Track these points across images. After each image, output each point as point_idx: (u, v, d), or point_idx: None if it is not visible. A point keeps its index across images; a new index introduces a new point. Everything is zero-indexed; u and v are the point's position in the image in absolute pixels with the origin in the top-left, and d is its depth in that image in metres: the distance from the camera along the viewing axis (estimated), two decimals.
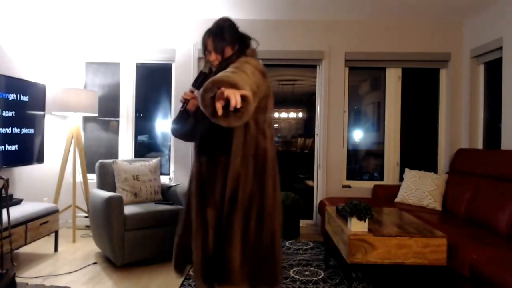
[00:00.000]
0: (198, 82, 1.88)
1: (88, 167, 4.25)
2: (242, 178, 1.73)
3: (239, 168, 1.73)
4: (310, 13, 4.07)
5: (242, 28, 1.94)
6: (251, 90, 1.51)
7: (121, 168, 3.49)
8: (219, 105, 1.39)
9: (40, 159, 3.78)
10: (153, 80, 4.51)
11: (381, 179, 4.40)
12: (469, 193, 3.31)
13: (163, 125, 4.51)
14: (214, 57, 1.85)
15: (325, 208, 3.35)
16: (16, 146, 3.42)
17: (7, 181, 1.91)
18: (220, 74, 1.54)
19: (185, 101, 1.90)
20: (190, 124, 1.94)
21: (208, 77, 1.78)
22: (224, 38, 1.84)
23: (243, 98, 1.41)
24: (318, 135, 4.35)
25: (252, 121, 1.74)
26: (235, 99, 1.34)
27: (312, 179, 4.43)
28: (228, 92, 1.36)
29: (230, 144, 1.73)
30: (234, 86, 1.43)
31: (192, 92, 1.92)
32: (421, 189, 3.72)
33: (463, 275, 2.35)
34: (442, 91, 4.33)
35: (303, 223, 4.29)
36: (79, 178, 4.16)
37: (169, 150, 4.44)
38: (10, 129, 3.35)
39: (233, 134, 1.73)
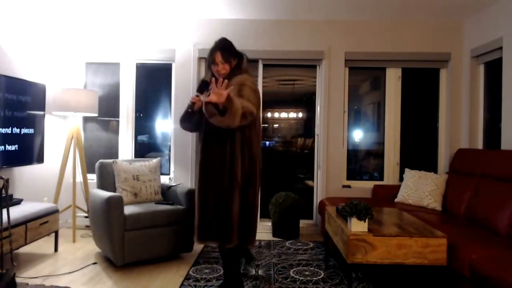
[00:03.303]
0: (200, 88, 2.37)
1: (88, 167, 4.26)
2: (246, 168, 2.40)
3: (245, 162, 2.39)
4: (310, 13, 4.07)
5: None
6: (242, 108, 2.10)
7: (121, 168, 3.49)
8: (211, 98, 2.00)
9: (40, 159, 3.78)
10: (153, 80, 4.51)
11: (381, 179, 4.40)
12: (469, 193, 3.31)
13: (163, 125, 4.51)
14: (221, 67, 2.36)
15: (325, 208, 3.35)
16: (16, 146, 3.42)
17: (7, 181, 1.91)
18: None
19: (192, 104, 2.40)
20: (196, 120, 2.45)
21: (208, 84, 2.30)
22: (230, 53, 2.38)
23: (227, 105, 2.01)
24: (318, 135, 4.35)
25: (247, 128, 2.34)
26: (215, 97, 1.96)
27: (312, 179, 4.43)
28: (215, 92, 1.97)
29: (228, 140, 2.33)
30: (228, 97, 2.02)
31: (197, 96, 2.38)
32: (421, 189, 3.72)
33: (463, 275, 2.35)
34: (442, 91, 4.33)
35: (303, 223, 4.29)
36: (79, 178, 4.17)
37: (169, 150, 4.44)
38: (10, 129, 3.35)
39: (235, 134, 2.33)
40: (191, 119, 2.47)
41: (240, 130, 2.33)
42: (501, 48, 3.53)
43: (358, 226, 2.41)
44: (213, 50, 2.37)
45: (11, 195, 3.27)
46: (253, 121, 2.31)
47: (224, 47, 2.36)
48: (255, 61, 4.30)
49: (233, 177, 2.35)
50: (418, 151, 4.41)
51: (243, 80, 2.28)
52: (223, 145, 2.35)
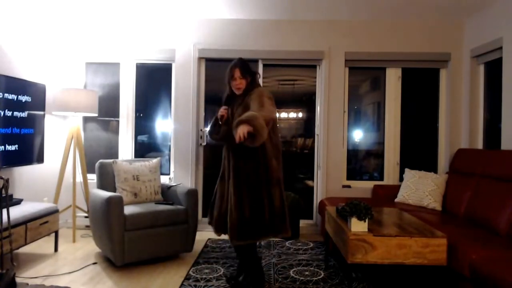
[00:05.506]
0: (227, 101, 2.75)
1: (88, 167, 4.25)
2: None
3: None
4: (310, 13, 4.07)
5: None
6: (264, 120, 2.30)
7: (121, 168, 3.49)
8: (237, 137, 2.22)
9: (40, 159, 3.78)
10: (153, 80, 4.51)
11: (381, 179, 4.40)
12: (469, 193, 3.31)
13: (163, 125, 4.51)
14: (239, 82, 2.64)
15: (325, 208, 3.35)
16: (16, 146, 3.42)
17: (7, 181, 1.91)
18: (246, 115, 2.32)
19: (221, 117, 2.68)
20: (224, 131, 2.71)
21: (230, 97, 2.74)
22: (246, 70, 2.66)
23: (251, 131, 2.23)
24: (318, 135, 4.35)
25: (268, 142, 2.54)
26: (241, 134, 2.19)
27: (312, 179, 4.43)
28: (239, 130, 2.20)
29: (252, 152, 2.53)
30: (249, 122, 2.23)
31: (225, 109, 2.70)
32: (421, 189, 3.71)
33: (463, 275, 2.35)
34: (442, 91, 4.33)
35: (303, 223, 4.29)
36: (79, 178, 4.16)
37: (169, 150, 4.44)
38: (10, 129, 3.35)
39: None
40: (219, 131, 2.74)
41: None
42: (501, 48, 3.53)
43: (358, 226, 2.41)
44: (233, 67, 2.66)
45: (11, 195, 3.27)
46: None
47: (242, 65, 2.67)
48: (255, 61, 4.30)
49: (258, 176, 2.58)
50: (418, 151, 4.41)
51: (261, 92, 2.60)
52: (249, 154, 2.57)
